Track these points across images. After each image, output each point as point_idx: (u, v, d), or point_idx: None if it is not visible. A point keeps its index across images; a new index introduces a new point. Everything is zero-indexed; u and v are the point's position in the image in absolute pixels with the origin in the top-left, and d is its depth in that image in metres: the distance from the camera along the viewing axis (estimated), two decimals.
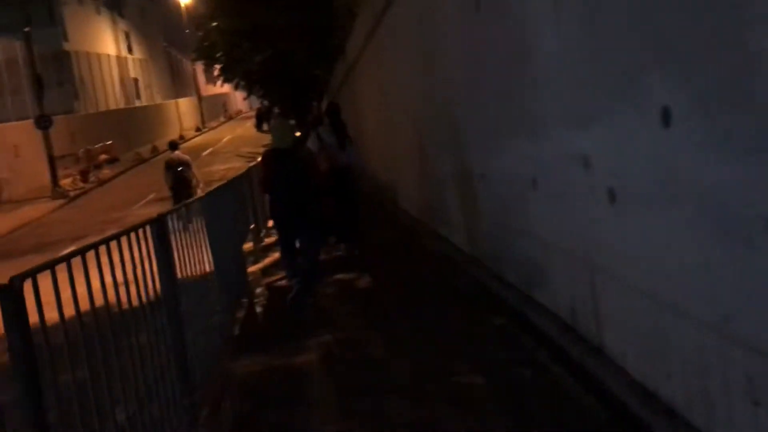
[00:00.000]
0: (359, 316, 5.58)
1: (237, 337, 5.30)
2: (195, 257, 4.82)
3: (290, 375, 4.25)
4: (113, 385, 2.96)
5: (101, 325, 2.96)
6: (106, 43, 45.30)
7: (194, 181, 13.66)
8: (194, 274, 4.70)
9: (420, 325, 4.99)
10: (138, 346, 3.31)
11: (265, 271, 7.79)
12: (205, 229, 5.28)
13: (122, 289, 3.29)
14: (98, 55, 41.96)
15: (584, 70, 3.48)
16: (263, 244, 9.43)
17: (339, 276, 7.14)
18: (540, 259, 4.54)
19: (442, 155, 7.09)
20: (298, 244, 6.34)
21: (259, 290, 6.91)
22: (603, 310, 3.66)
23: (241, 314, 5.92)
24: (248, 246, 8.55)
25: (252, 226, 8.71)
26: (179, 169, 13.53)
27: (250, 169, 9.58)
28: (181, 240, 4.45)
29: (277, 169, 6.07)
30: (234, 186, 7.47)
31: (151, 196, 19.79)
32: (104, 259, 3.18)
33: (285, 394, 3.90)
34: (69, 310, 2.68)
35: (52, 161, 23.62)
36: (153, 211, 14.53)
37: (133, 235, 3.57)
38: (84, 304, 2.82)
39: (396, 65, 9.38)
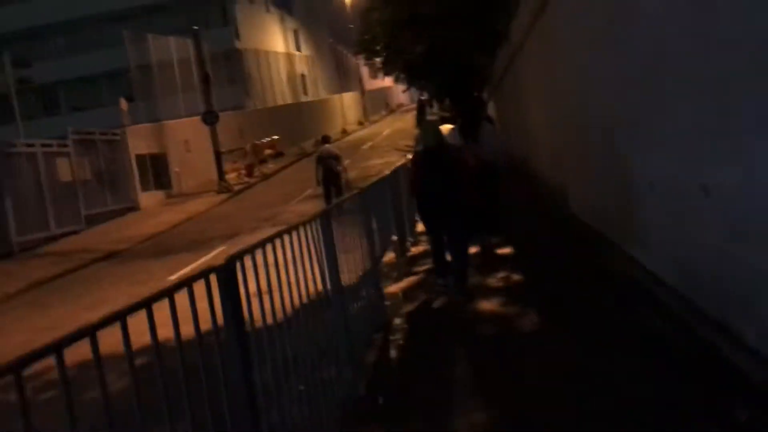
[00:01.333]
0: (524, 377, 4.08)
1: (360, 401, 4.03)
2: (308, 285, 3.70)
3: None
4: None
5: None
6: (275, 40, 46.78)
7: (343, 175, 14.07)
8: (308, 305, 3.58)
9: (617, 412, 3.42)
10: None
11: (408, 294, 6.51)
12: (323, 249, 4.13)
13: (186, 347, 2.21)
14: (267, 53, 43.35)
15: None
16: (409, 254, 8.20)
17: (498, 306, 5.65)
18: None
19: (637, 154, 5.42)
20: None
21: (398, 321, 5.62)
22: None
23: (371, 359, 4.68)
24: (390, 258, 7.37)
25: (395, 238, 7.45)
26: (329, 162, 14.00)
27: (396, 171, 8.32)
28: (292, 261, 3.36)
29: (424, 169, 6.13)
30: (372, 192, 6.30)
31: (309, 191, 19.48)
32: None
33: None
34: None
35: (218, 156, 24.21)
36: (307, 208, 13.83)
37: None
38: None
39: (570, 45, 7.72)
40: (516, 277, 6.53)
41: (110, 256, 14.45)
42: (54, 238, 17.21)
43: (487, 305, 5.66)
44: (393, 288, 6.67)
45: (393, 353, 4.86)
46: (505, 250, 7.69)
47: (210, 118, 23.90)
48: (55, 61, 38.17)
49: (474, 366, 4.39)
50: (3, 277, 12.98)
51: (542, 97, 11.17)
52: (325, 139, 15.30)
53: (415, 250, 8.43)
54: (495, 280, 6.49)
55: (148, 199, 22.13)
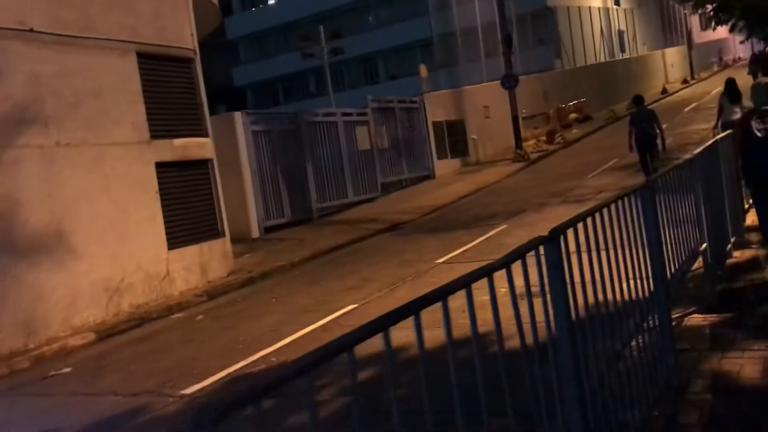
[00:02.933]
0: None
1: None
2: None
3: None
4: None
5: None
6: None
7: (659, 138, 12.88)
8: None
9: None
10: None
11: (722, 332, 4.42)
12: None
13: None
14: (580, 9, 40.30)
15: None
16: (730, 262, 5.92)
17: None
18: None
19: None
20: None
21: (698, 386, 3.65)
22: None
23: None
24: (696, 268, 5.29)
25: (703, 247, 5.21)
26: (643, 125, 12.81)
27: (712, 149, 5.91)
28: None
29: (753, 131, 5.39)
30: (665, 185, 4.34)
31: (614, 161, 17.18)
32: None
33: None
34: None
35: (515, 122, 22.87)
36: (606, 182, 11.82)
37: None
38: None
39: None
40: None
41: (393, 227, 14.18)
42: (350, 205, 17.68)
43: None
44: (695, 319, 4.65)
45: None
46: None
47: (509, 81, 22.60)
48: (372, 32, 40.26)
49: None
50: (295, 243, 13.47)
51: None
52: (638, 100, 13.90)
53: (739, 255, 6.11)
54: None
55: (444, 167, 21.77)
